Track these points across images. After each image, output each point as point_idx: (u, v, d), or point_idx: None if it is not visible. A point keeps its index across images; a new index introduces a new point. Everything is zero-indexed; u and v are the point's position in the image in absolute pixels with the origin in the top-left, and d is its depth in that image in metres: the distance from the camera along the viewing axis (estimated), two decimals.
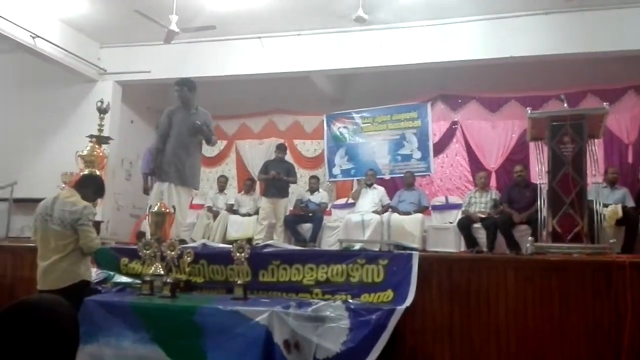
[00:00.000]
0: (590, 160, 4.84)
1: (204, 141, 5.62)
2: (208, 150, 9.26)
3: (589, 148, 4.86)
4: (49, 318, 1.26)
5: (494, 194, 6.70)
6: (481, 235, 6.13)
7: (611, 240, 4.58)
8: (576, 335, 3.67)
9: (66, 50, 7.58)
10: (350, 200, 7.41)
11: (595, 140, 5.15)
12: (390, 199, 7.25)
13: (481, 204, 6.58)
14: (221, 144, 9.46)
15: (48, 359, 1.23)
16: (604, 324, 3.64)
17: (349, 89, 8.91)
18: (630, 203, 6.06)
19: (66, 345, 1.27)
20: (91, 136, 6.27)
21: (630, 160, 7.27)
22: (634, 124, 7.32)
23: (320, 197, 7.64)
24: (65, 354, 1.28)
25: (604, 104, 5.18)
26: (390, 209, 6.99)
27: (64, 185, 6.00)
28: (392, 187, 7.77)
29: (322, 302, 3.80)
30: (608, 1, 6.48)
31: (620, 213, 5.62)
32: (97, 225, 4.45)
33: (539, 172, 5.15)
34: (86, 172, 5.61)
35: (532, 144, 5.81)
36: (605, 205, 5.62)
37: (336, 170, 8.35)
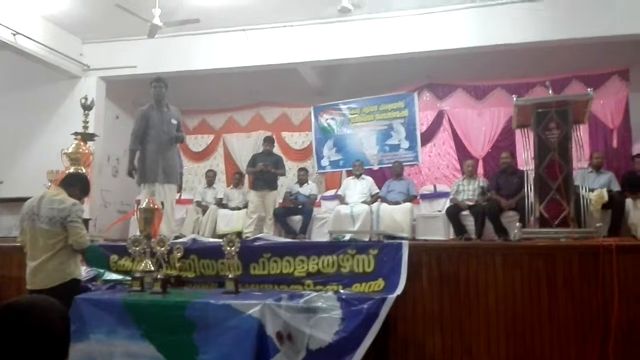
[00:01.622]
0: (575, 146, 4.90)
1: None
2: (195, 145, 9.24)
3: (574, 134, 4.91)
4: (39, 321, 1.25)
5: (482, 181, 6.75)
6: (469, 222, 6.18)
7: (597, 224, 4.65)
8: (564, 320, 3.73)
9: (48, 47, 7.47)
10: (339, 193, 7.43)
11: (581, 125, 5.21)
12: (380, 189, 7.27)
13: (469, 191, 6.62)
14: (208, 138, 9.43)
15: None
16: (591, 307, 3.70)
17: (336, 80, 8.89)
18: (616, 187, 6.14)
19: (56, 347, 1.26)
20: (76, 133, 6.21)
21: (615, 144, 7.36)
22: (618, 109, 7.40)
23: (309, 189, 7.64)
24: (56, 356, 1.27)
25: (588, 89, 5.24)
26: (379, 199, 7.01)
27: (49, 184, 5.94)
28: (380, 177, 7.80)
29: (314, 293, 3.81)
30: None
31: (606, 197, 5.70)
32: (85, 222, 4.42)
33: (525, 158, 5.20)
34: (72, 170, 5.58)
35: (518, 131, 5.86)
36: (591, 190, 5.69)
37: (325, 162, 8.36)
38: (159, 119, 5.45)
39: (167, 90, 5.62)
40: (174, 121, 5.52)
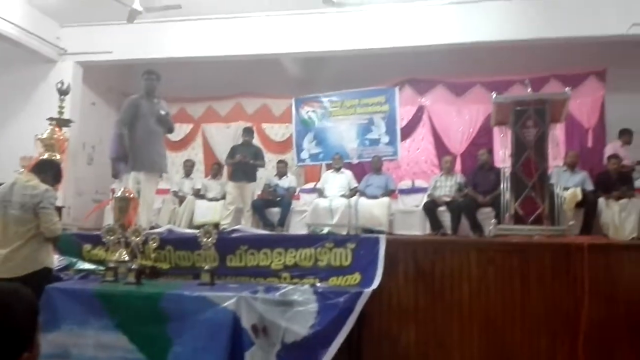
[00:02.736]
0: (551, 144, 4.97)
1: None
2: (173, 135, 9.09)
3: (551, 132, 4.98)
4: None
5: (459, 177, 6.82)
6: (446, 218, 6.24)
7: (570, 223, 4.74)
8: (536, 315, 3.80)
9: (24, 29, 7.27)
10: (319, 186, 7.43)
11: (557, 124, 5.28)
12: (359, 183, 7.29)
13: (446, 187, 6.68)
14: (187, 128, 9.31)
15: None
16: (562, 304, 3.77)
17: (318, 72, 8.84)
18: (590, 186, 6.25)
19: (15, 336, 1.24)
20: (51, 119, 6.09)
21: (590, 144, 7.48)
22: (594, 109, 7.52)
23: (288, 181, 7.61)
24: (15, 345, 1.24)
25: (566, 89, 5.31)
26: (358, 193, 7.03)
27: (22, 170, 5.82)
28: (360, 171, 7.81)
29: (290, 287, 3.81)
30: None
31: (579, 196, 5.80)
32: (58, 210, 4.33)
33: (502, 156, 5.25)
34: (45, 156, 5.47)
35: (496, 129, 5.92)
36: (566, 189, 5.79)
37: (304, 155, 8.33)
38: (148, 109, 5.35)
39: (159, 81, 5.50)
40: (162, 112, 5.42)
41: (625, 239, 5.36)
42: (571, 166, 6.47)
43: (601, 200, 5.97)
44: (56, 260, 4.20)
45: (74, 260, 4.50)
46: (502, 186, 5.11)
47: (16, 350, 1.24)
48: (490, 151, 6.82)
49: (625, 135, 7.01)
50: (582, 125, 7.56)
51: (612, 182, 6.11)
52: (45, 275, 3.72)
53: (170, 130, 5.77)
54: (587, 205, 5.86)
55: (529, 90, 5.41)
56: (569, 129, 7.45)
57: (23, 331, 1.26)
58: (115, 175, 5.39)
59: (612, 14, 6.54)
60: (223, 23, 7.57)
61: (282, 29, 7.50)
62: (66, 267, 4.40)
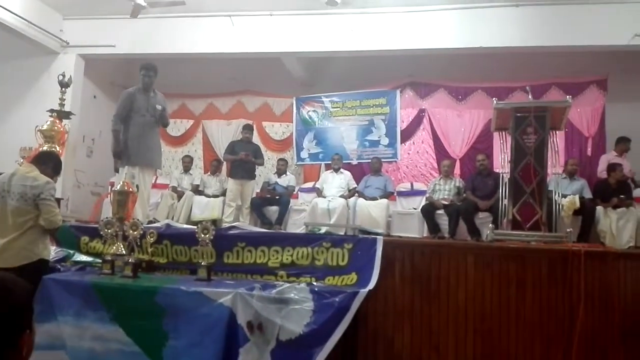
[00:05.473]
0: (551, 151, 4.98)
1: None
2: (173, 130, 9.13)
3: (551, 139, 4.99)
4: None
5: (458, 181, 6.83)
6: (444, 221, 6.25)
7: (568, 230, 4.74)
8: (531, 321, 3.80)
9: (27, 21, 7.27)
10: (317, 186, 7.44)
11: (557, 132, 5.30)
12: (357, 183, 7.30)
13: (445, 191, 6.70)
14: (187, 123, 9.33)
15: None
16: (557, 310, 3.78)
17: (320, 73, 8.87)
18: (588, 194, 6.27)
19: (20, 313, 1.28)
20: (51, 111, 6.09)
21: (589, 152, 7.50)
22: (594, 118, 7.54)
23: (287, 180, 7.62)
24: (19, 321, 1.28)
25: (567, 97, 5.32)
26: (356, 194, 7.04)
27: (22, 161, 5.82)
28: (359, 172, 7.83)
29: (287, 284, 3.81)
30: None
31: (577, 204, 5.82)
32: (57, 202, 4.33)
33: (501, 161, 5.27)
34: (45, 147, 5.47)
35: (496, 134, 5.93)
36: (564, 196, 5.80)
37: (304, 154, 8.35)
38: (144, 103, 5.38)
39: (157, 76, 5.50)
40: (159, 107, 5.44)
41: (622, 248, 5.38)
42: (570, 174, 6.49)
43: (599, 209, 5.99)
44: (53, 252, 4.20)
45: (71, 252, 4.50)
46: (500, 191, 5.13)
47: (20, 328, 1.30)
48: (489, 156, 6.83)
49: (622, 143, 7.01)
50: (582, 134, 7.59)
51: (610, 190, 6.12)
52: (40, 267, 3.71)
53: (165, 125, 5.81)
54: (585, 213, 5.88)
55: (530, 97, 5.43)
56: (569, 137, 7.47)
57: (24, 311, 1.32)
58: (117, 169, 5.41)
59: (615, 24, 6.56)
60: (227, 20, 7.57)
61: (285, 28, 7.51)
62: (63, 259, 4.39)
